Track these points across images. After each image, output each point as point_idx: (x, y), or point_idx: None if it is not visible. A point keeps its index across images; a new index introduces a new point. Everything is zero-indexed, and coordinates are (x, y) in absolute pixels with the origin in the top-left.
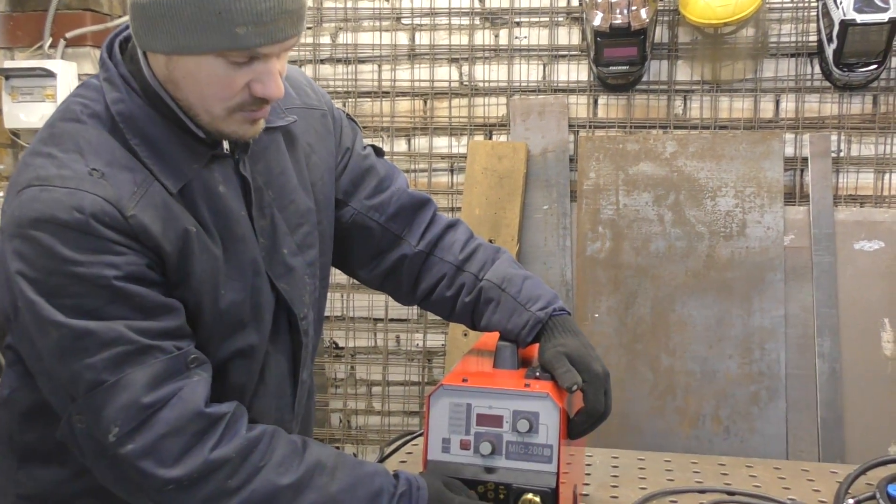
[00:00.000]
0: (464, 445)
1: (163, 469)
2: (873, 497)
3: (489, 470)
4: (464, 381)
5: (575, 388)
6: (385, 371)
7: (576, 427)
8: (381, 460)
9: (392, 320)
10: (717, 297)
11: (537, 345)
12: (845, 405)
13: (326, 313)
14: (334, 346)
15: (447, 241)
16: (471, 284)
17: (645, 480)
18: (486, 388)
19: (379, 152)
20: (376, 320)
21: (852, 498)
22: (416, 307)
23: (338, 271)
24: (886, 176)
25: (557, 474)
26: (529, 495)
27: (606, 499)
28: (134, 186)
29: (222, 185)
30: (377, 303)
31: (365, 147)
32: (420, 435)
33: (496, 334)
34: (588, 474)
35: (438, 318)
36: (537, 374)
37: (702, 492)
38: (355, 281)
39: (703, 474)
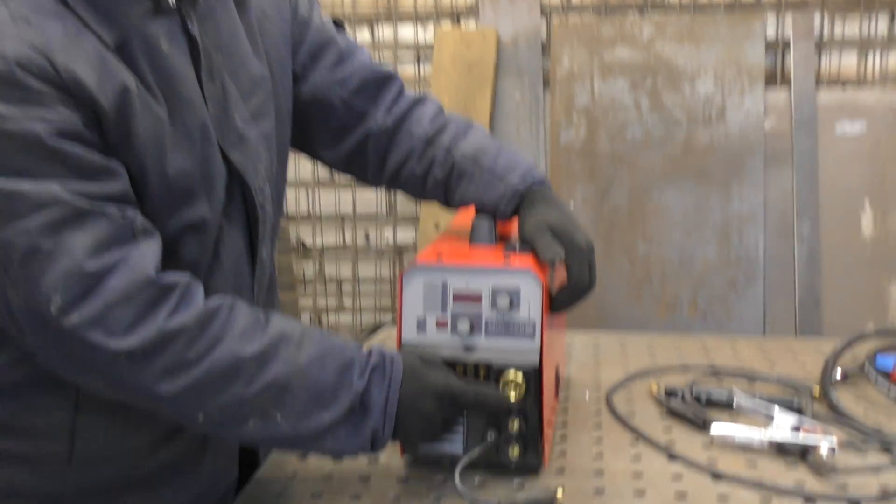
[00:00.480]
0: (440, 325)
1: (113, 340)
2: (862, 368)
3: (468, 349)
4: (439, 258)
5: (557, 260)
6: (355, 268)
7: (559, 301)
8: None
9: (361, 217)
10: (695, 184)
11: (516, 218)
12: (823, 287)
13: (292, 212)
14: (301, 245)
15: (415, 115)
16: (442, 159)
17: (627, 361)
18: (462, 265)
19: (339, 25)
20: (343, 217)
21: (841, 369)
22: (385, 203)
23: (302, 168)
24: (870, 57)
25: (541, 351)
26: (512, 373)
27: (588, 380)
28: (64, 35)
29: (166, 43)
30: (344, 199)
31: (324, 20)
32: (394, 324)
33: (472, 212)
34: (568, 356)
35: (409, 213)
36: (517, 248)
37: (686, 369)
38: (320, 177)
39: (687, 353)
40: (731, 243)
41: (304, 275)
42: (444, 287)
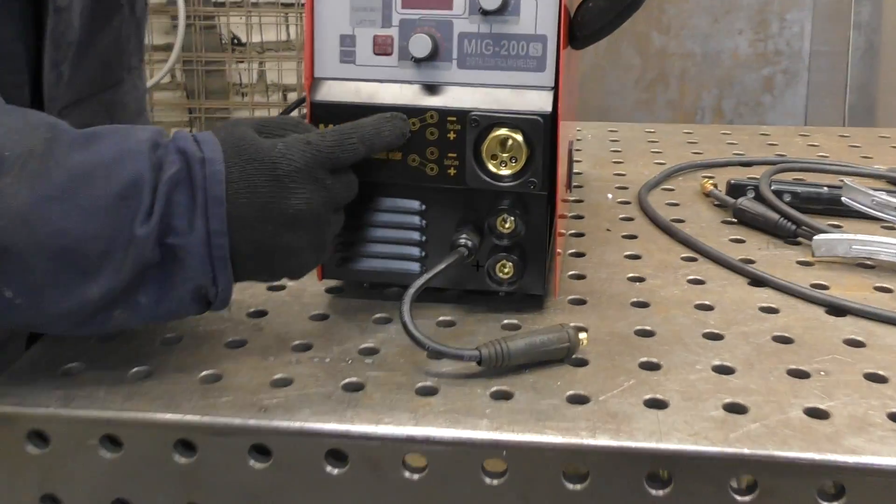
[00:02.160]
0: (379, 47)
1: None
2: None
3: (430, 89)
4: None
5: None
6: (302, 71)
7: (589, 14)
8: None
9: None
10: None
11: None
12: (880, 89)
13: None
14: (234, 41)
15: None
16: None
17: (661, 155)
18: None
19: None
20: (286, 5)
21: None
22: None
23: None
24: None
25: (556, 91)
26: (503, 130)
27: (608, 177)
28: None
29: None
30: None
31: None
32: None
33: None
34: (578, 150)
35: None
36: None
37: (747, 164)
38: None
39: (741, 146)
40: (770, 32)
41: (240, 80)
42: None
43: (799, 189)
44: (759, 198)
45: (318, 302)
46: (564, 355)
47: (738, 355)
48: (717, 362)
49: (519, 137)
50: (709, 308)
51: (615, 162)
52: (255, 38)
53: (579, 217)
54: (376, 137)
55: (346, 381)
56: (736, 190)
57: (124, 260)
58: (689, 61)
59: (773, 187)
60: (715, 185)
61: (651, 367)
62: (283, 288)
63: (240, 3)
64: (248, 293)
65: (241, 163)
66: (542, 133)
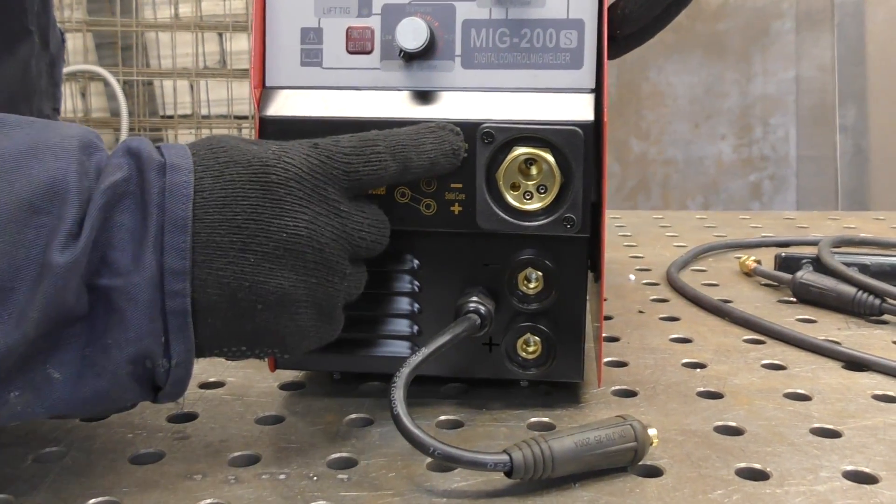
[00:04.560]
0: (355, 42)
1: None
2: None
3: (424, 97)
4: None
5: None
6: None
7: (630, 12)
8: None
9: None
10: (704, 58)
11: None
12: (871, 192)
13: (168, 111)
14: None
15: None
16: None
17: (678, 238)
18: None
19: None
20: (240, 118)
21: None
22: None
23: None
24: None
25: (598, 94)
26: (527, 148)
27: (624, 259)
28: None
29: None
30: (239, 93)
31: None
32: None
33: None
34: None
35: None
36: None
37: (784, 244)
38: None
39: (769, 229)
40: (753, 137)
41: None
42: None
43: (868, 261)
44: (823, 271)
45: (268, 401)
46: (629, 461)
47: (874, 457)
48: (848, 467)
49: (549, 158)
50: (805, 398)
51: (628, 245)
52: None
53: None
54: (412, 150)
55: None
56: (789, 264)
57: (29, 303)
58: (671, 168)
59: (834, 258)
60: (759, 262)
61: (756, 475)
62: (220, 385)
63: (189, 116)
64: None
65: (218, 167)
66: (580, 151)
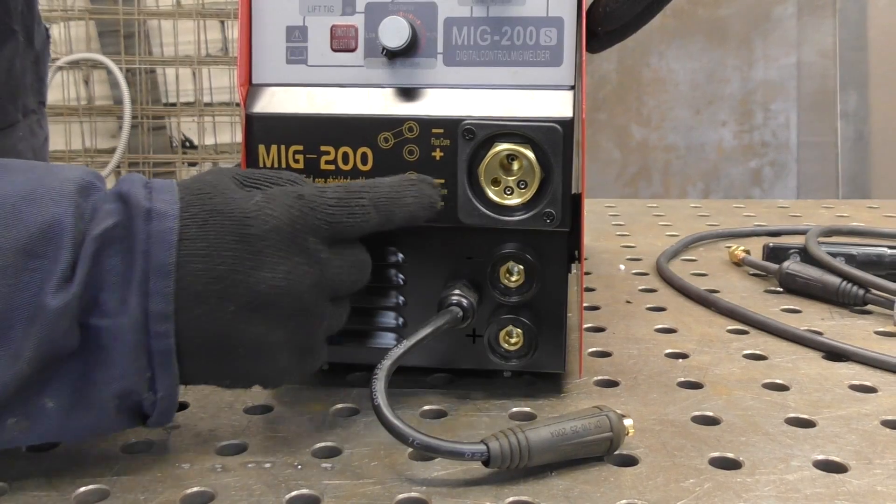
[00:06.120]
0: (339, 40)
1: None
2: None
3: (407, 93)
4: None
5: None
6: None
7: (613, 10)
8: None
9: None
10: (706, 44)
11: None
12: (873, 178)
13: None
14: (187, 143)
15: None
16: None
17: (671, 227)
18: None
19: None
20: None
21: None
22: None
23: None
24: None
25: (576, 90)
26: (508, 144)
27: (616, 248)
28: None
29: None
30: None
31: None
32: None
33: None
34: None
35: None
36: None
37: (775, 234)
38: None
39: (762, 218)
40: (755, 123)
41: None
42: None
43: (854, 251)
44: (809, 261)
45: (257, 391)
46: (605, 450)
47: (845, 447)
48: (819, 456)
49: (529, 154)
50: (783, 388)
51: (620, 235)
52: (209, 140)
53: (590, 290)
54: (394, 203)
55: (295, 493)
56: (776, 254)
57: (24, 341)
58: (672, 154)
59: (820, 248)
60: (747, 252)
61: (728, 464)
62: None
63: (192, 103)
64: None
65: (203, 216)
66: (560, 147)
